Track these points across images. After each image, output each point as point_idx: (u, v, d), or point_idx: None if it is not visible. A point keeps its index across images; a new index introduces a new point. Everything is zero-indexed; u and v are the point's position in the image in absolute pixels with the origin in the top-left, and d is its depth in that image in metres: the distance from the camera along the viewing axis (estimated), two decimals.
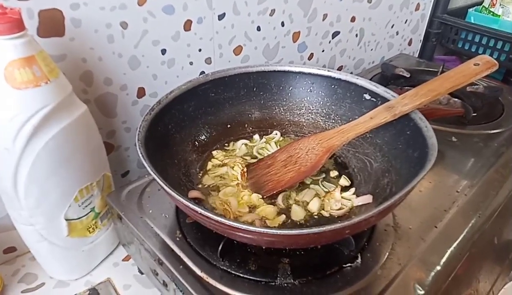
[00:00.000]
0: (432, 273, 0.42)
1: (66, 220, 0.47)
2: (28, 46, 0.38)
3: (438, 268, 0.43)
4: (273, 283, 0.40)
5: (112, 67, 0.55)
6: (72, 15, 0.48)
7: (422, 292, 0.40)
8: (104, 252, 0.57)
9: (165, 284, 0.44)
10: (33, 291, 0.52)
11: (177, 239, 0.45)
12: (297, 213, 0.47)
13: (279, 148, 0.56)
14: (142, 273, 0.54)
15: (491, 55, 0.99)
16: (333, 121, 0.59)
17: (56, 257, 0.51)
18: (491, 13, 1.12)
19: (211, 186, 0.51)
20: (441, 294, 0.43)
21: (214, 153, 0.56)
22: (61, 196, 0.46)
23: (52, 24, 0.47)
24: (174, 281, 0.41)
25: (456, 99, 0.75)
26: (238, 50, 0.69)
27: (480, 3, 1.18)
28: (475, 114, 0.71)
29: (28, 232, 0.48)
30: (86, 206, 0.49)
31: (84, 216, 0.50)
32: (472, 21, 1.14)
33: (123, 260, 0.57)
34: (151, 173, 0.38)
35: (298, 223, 0.46)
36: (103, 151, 0.52)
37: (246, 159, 0.55)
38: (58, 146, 0.42)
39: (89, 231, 0.52)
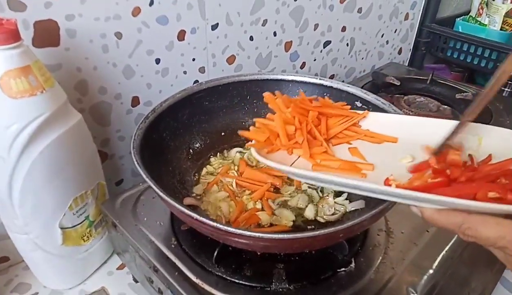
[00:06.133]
0: (425, 277, 0.43)
1: (61, 228, 0.47)
2: (24, 56, 0.39)
3: (431, 271, 0.44)
4: (268, 288, 0.40)
5: (106, 76, 0.55)
6: (67, 25, 0.49)
7: None
8: (99, 260, 0.56)
9: (160, 292, 0.44)
10: None
11: (172, 246, 0.45)
12: (287, 217, 0.47)
13: None
14: (136, 282, 0.53)
15: (478, 63, 1.01)
16: None
17: (50, 265, 0.51)
18: (478, 22, 1.15)
19: (203, 193, 0.51)
20: None
21: (212, 159, 0.57)
22: (56, 205, 0.46)
23: (47, 34, 0.48)
24: (169, 288, 0.41)
25: (445, 106, 0.77)
26: (231, 60, 0.70)
27: (467, 13, 1.21)
28: None
29: (23, 240, 0.48)
30: (80, 215, 0.49)
31: (78, 224, 0.50)
32: (460, 30, 1.17)
33: (117, 268, 0.57)
34: (147, 180, 0.39)
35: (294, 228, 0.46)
36: (97, 159, 0.52)
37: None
38: (53, 155, 0.42)
39: (83, 239, 0.51)
